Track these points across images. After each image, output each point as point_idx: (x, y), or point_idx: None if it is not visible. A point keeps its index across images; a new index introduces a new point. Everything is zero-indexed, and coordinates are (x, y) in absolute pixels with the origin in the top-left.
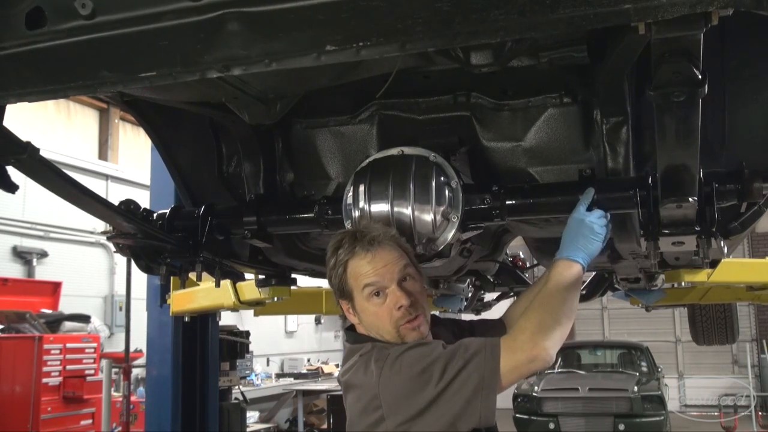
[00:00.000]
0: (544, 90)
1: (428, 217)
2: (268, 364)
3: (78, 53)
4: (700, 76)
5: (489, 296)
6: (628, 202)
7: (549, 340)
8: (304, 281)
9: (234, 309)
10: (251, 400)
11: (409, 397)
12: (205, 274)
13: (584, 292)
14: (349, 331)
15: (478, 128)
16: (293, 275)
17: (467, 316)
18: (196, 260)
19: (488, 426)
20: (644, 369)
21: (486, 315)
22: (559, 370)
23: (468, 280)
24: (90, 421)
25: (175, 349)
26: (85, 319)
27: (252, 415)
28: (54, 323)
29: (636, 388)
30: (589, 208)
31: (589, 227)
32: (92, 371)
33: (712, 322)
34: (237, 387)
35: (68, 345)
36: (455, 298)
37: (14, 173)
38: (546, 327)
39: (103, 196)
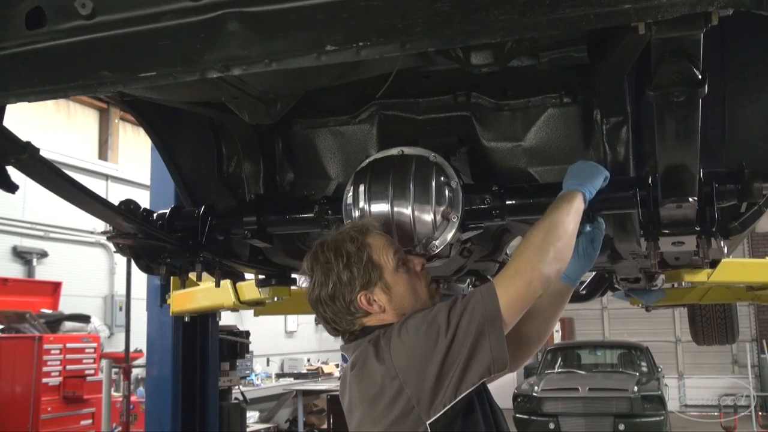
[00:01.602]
0: (544, 90)
1: (428, 217)
2: (268, 364)
3: (78, 53)
4: (700, 76)
5: None
6: (628, 202)
7: (544, 262)
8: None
9: (234, 309)
10: (251, 400)
11: (424, 357)
12: (205, 274)
13: (584, 292)
14: (348, 334)
15: (478, 128)
16: (293, 275)
17: None
18: (196, 260)
19: (502, 367)
20: (644, 369)
21: None
22: (559, 370)
23: (468, 280)
24: (90, 421)
25: (175, 349)
26: (85, 319)
27: (252, 415)
28: (54, 323)
29: (636, 388)
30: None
31: (590, 164)
32: (92, 371)
33: (712, 322)
34: (237, 387)
35: (68, 345)
36: (455, 298)
37: (14, 173)
38: (539, 249)
39: (103, 196)
